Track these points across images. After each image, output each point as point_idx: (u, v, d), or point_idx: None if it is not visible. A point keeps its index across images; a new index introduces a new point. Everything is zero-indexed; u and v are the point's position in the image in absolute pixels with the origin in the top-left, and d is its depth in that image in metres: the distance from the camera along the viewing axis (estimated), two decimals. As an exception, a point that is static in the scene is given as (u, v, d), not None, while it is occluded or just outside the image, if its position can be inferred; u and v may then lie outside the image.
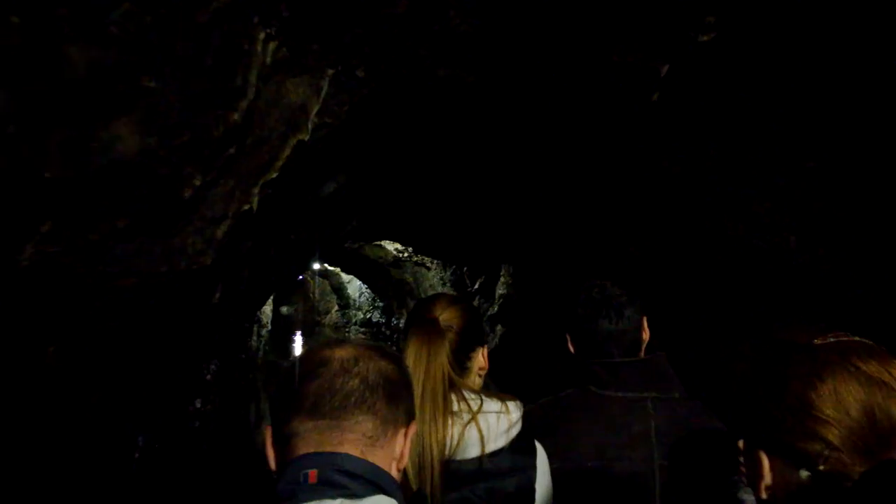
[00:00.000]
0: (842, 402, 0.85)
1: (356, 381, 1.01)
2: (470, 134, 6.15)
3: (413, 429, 1.09)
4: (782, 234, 5.55)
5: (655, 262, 7.02)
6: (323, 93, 3.36)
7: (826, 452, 0.85)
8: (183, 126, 2.46)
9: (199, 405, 8.16)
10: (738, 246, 5.91)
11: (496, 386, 1.71)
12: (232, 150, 3.10)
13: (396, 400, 1.04)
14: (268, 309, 13.85)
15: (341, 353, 1.03)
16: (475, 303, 11.99)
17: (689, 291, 6.52)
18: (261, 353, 13.37)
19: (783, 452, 0.90)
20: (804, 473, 0.87)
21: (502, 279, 11.73)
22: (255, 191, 3.59)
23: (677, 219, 6.35)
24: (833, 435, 0.85)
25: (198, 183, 2.78)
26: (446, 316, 1.61)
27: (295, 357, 1.13)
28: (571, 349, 1.83)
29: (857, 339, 0.93)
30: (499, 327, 11.92)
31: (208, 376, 8.99)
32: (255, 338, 12.03)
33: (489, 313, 12.03)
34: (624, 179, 6.37)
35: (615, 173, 6.41)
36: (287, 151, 3.55)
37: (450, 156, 7.01)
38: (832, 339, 0.94)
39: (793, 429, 0.89)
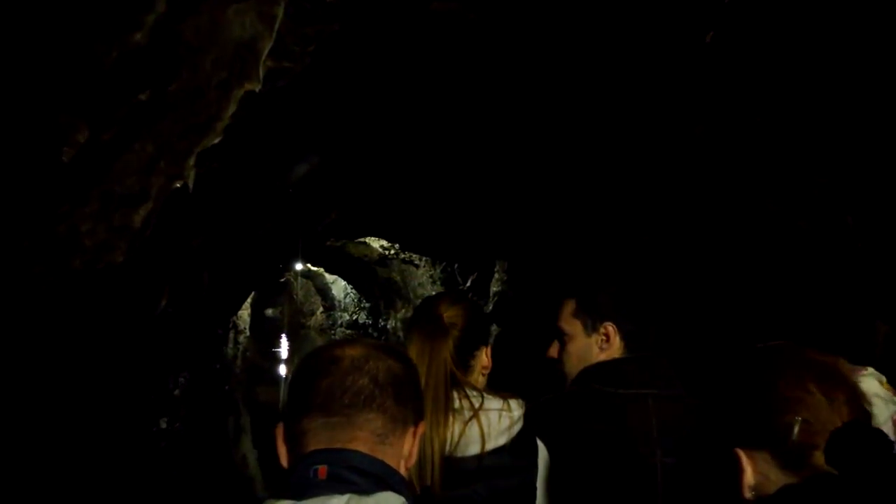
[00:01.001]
0: (803, 384, 0.96)
1: (366, 379, 0.99)
2: (467, 95, 5.23)
3: (422, 428, 1.07)
4: (837, 213, 4.69)
5: (674, 252, 6.17)
6: (277, 23, 2.43)
7: (796, 424, 0.93)
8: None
9: (164, 425, 7.18)
10: (778, 228, 5.05)
11: (491, 389, 1.64)
12: (144, 97, 2.15)
13: (405, 399, 1.02)
14: (245, 314, 12.83)
15: (351, 352, 1.02)
16: (467, 301, 11.08)
17: (715, 285, 5.64)
18: (239, 360, 12.28)
19: (757, 437, 0.97)
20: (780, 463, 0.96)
21: (496, 275, 10.84)
22: (191, 162, 2.64)
23: (706, 199, 5.43)
24: (800, 407, 0.94)
25: (83, 139, 1.85)
26: (450, 314, 1.59)
27: (303, 356, 1.09)
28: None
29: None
30: (493, 327, 11.02)
31: (176, 391, 8.02)
32: (231, 345, 10.98)
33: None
34: (645, 151, 5.48)
35: (635, 143, 5.51)
36: (232, 107, 2.60)
37: (442, 126, 6.07)
38: (776, 343, 1.07)
39: (764, 412, 0.97)
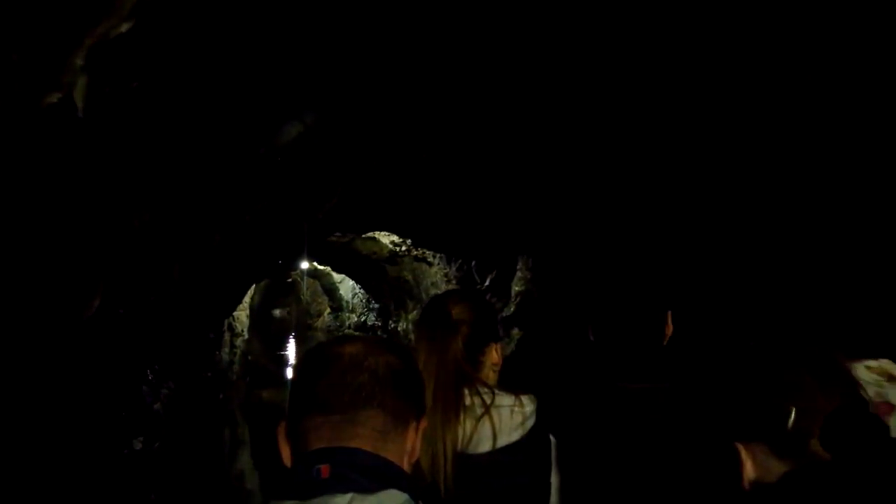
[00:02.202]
0: (798, 374, 0.99)
1: (366, 375, 0.97)
2: (488, 72, 4.35)
3: (424, 423, 1.05)
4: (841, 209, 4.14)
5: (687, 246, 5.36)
6: None
7: (792, 412, 0.96)
8: None
9: (139, 446, 6.13)
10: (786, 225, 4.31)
11: (503, 386, 1.63)
12: None
13: (406, 394, 1.01)
14: (243, 314, 11.74)
15: (350, 349, 1.00)
16: (486, 302, 10.06)
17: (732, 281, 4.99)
18: (236, 366, 11.09)
19: (755, 430, 1.00)
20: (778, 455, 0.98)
21: (519, 273, 9.77)
22: (77, 62, 1.58)
23: (724, 192, 4.80)
24: (795, 397, 0.97)
25: None
26: (458, 310, 1.59)
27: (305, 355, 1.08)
28: (592, 339, 1.83)
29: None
30: (515, 331, 9.95)
31: (156, 405, 6.97)
32: (226, 350, 9.85)
33: (503, 314, 10.05)
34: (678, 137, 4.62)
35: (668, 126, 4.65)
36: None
37: (459, 106, 5.18)
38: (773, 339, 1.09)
39: (759, 404, 1.00)
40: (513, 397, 1.53)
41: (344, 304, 18.42)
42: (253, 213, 4.53)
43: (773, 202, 4.66)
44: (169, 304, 4.66)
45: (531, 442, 1.51)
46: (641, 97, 4.57)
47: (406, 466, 1.00)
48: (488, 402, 1.50)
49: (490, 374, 1.62)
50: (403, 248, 11.83)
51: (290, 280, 20.17)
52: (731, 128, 4.53)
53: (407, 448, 1.00)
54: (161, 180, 2.67)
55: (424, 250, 11.50)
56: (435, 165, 7.00)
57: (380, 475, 0.92)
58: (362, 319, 17.00)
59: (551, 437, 1.57)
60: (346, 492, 0.89)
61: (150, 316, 4.42)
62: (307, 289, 20.36)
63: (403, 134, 4.94)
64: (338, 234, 10.36)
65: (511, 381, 1.65)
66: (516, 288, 9.88)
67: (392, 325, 15.08)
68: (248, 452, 10.03)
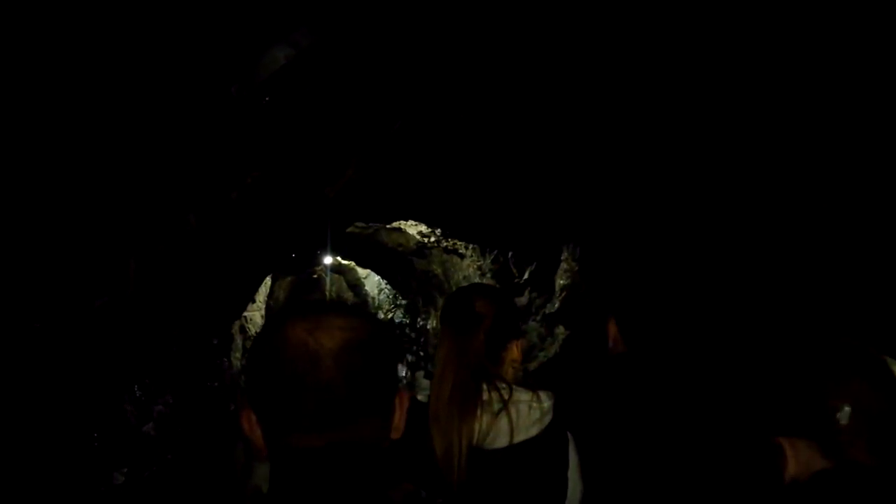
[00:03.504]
0: (851, 375, 0.95)
1: (342, 390, 0.90)
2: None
3: (405, 395, 1.00)
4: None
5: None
6: None
7: (844, 412, 0.92)
8: None
9: (122, 479, 5.10)
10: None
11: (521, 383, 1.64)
12: None
13: (385, 377, 0.96)
14: (258, 315, 10.76)
15: (316, 347, 0.90)
16: (525, 297, 8.96)
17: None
18: (250, 372, 10.06)
19: (802, 426, 0.96)
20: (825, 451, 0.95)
21: (564, 265, 8.62)
22: None
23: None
24: (847, 397, 0.94)
25: None
26: (480, 306, 1.57)
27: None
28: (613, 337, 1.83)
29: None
30: (560, 329, 8.80)
31: (149, 425, 5.93)
32: (237, 355, 8.84)
33: (546, 311, 8.89)
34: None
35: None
36: None
37: (495, 71, 4.15)
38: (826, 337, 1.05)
39: (809, 402, 0.97)
40: (530, 393, 1.52)
41: (370, 300, 17.58)
42: (241, 188, 3.40)
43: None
44: (138, 308, 3.56)
45: (548, 438, 1.49)
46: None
47: (393, 436, 0.96)
48: (506, 397, 1.49)
49: (509, 371, 1.62)
50: (432, 239, 10.74)
51: (315, 276, 19.47)
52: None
53: (394, 428, 0.96)
54: (90, 132, 1.58)
55: (455, 241, 10.41)
56: (467, 141, 5.96)
57: (379, 467, 0.89)
58: (389, 316, 16.04)
59: (569, 434, 1.52)
60: (350, 486, 0.85)
61: (115, 324, 3.33)
62: (332, 285, 19.55)
63: (431, 81, 3.82)
64: (360, 224, 9.30)
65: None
66: (561, 282, 8.73)
67: (420, 323, 14.02)
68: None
